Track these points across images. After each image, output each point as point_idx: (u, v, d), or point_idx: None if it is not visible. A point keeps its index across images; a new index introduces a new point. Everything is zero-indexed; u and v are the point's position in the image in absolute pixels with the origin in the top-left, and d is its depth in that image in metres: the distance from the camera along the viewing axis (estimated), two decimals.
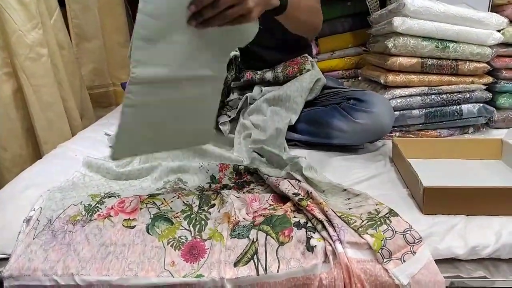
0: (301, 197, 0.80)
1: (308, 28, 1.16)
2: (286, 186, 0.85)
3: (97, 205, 0.81)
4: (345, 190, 0.87)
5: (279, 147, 1.10)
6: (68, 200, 0.83)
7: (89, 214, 0.78)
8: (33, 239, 0.75)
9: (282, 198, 0.86)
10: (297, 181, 0.87)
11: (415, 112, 1.28)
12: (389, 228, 0.72)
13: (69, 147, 1.17)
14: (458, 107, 1.28)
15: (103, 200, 0.82)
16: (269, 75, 1.27)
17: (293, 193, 0.82)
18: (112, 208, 0.79)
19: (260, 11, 0.78)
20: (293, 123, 1.18)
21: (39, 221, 0.78)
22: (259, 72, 1.28)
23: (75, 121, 1.50)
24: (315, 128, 1.17)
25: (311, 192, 0.81)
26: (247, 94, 1.23)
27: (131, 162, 1.04)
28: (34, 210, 0.81)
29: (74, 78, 1.56)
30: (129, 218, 0.77)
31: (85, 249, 0.73)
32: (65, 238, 0.75)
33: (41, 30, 1.30)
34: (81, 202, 0.81)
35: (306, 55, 1.32)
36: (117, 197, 0.84)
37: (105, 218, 0.77)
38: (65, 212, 0.79)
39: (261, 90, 1.24)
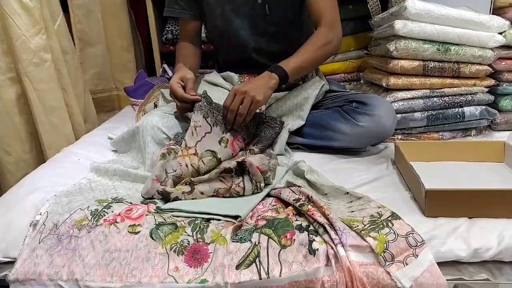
0: (302, 203, 0.81)
1: (323, 61, 1.25)
2: (287, 194, 0.86)
3: (103, 209, 0.81)
4: (347, 193, 0.88)
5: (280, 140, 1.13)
6: (74, 204, 0.83)
7: (95, 219, 0.78)
8: (39, 243, 0.76)
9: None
10: (297, 187, 0.87)
11: (417, 114, 1.28)
12: (392, 231, 0.72)
13: (72, 151, 1.18)
14: (460, 109, 1.28)
15: (110, 205, 0.82)
16: None
17: (294, 199, 0.83)
18: (119, 214, 0.79)
19: (265, 96, 1.04)
20: (299, 126, 1.19)
21: (45, 225, 0.79)
22: None
23: (78, 125, 1.51)
24: (318, 131, 1.18)
25: (311, 197, 0.81)
26: None
27: (138, 166, 1.06)
28: (40, 214, 0.82)
29: (77, 83, 1.57)
30: (134, 224, 0.77)
31: (90, 255, 0.74)
32: (70, 243, 0.75)
33: (45, 35, 1.31)
34: (88, 206, 0.82)
35: None
36: (124, 202, 0.85)
37: (111, 224, 0.77)
38: (71, 216, 0.79)
39: None
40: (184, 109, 1.11)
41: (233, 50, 1.31)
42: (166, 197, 0.88)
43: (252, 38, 1.27)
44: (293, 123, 1.18)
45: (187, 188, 0.88)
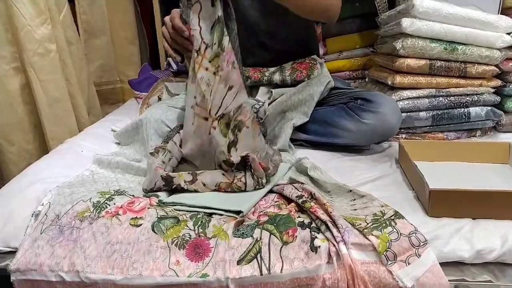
0: (305, 199, 0.80)
1: (320, 12, 1.13)
2: (289, 190, 0.85)
3: (106, 201, 0.81)
4: (350, 191, 0.87)
5: (284, 134, 1.12)
6: (76, 195, 0.83)
7: (97, 211, 0.78)
8: (40, 233, 0.76)
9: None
10: (300, 184, 0.87)
11: (422, 114, 1.27)
12: (394, 230, 0.72)
13: (75, 143, 1.18)
14: (465, 110, 1.27)
15: (113, 197, 0.82)
16: (276, 77, 1.26)
17: (296, 196, 0.82)
18: (121, 207, 0.79)
19: None
20: (303, 122, 1.18)
21: (47, 216, 0.79)
22: (266, 74, 1.27)
23: (82, 117, 1.51)
24: (322, 128, 1.17)
25: (314, 194, 0.81)
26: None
27: (141, 159, 1.05)
28: (42, 205, 0.82)
29: (82, 74, 1.56)
30: (136, 217, 0.77)
31: (91, 246, 0.73)
32: (72, 234, 0.75)
33: (50, 25, 1.31)
34: (90, 198, 0.81)
35: (315, 57, 1.32)
36: (126, 194, 0.85)
37: (113, 216, 0.77)
38: (73, 207, 0.79)
39: (270, 92, 1.23)
40: (172, 41, 0.95)
41: (241, 33, 1.29)
42: (169, 183, 0.87)
43: (261, 20, 1.24)
44: (297, 119, 1.18)
45: (188, 177, 0.88)
